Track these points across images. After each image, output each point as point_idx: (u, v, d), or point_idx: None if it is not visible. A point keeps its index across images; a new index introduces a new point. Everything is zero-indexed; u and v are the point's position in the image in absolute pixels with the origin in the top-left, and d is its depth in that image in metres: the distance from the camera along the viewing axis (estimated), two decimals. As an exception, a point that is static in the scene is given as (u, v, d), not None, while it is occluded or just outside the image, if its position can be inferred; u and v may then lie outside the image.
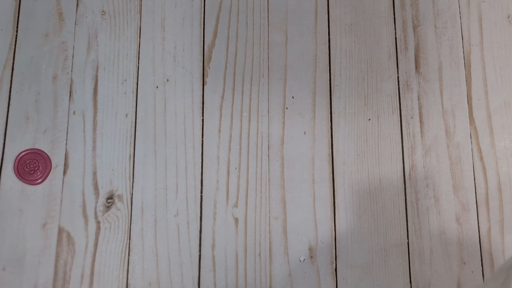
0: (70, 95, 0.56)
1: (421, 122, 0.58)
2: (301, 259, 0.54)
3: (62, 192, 0.54)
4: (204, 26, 0.59)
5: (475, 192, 0.56)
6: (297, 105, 0.58)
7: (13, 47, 0.57)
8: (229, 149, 0.56)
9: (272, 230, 0.54)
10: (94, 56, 0.57)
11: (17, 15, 0.58)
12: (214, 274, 0.53)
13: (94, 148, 0.55)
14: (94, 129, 0.55)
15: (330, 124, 0.57)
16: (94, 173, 0.54)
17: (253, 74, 0.58)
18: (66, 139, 0.55)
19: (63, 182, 0.54)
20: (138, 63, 0.58)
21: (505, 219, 0.56)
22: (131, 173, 0.55)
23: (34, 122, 0.55)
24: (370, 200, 0.56)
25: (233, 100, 0.57)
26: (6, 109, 0.55)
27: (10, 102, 0.56)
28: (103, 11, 0.59)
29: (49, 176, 0.54)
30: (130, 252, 0.53)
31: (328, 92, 0.58)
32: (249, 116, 0.57)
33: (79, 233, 0.53)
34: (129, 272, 0.53)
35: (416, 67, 0.59)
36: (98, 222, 0.53)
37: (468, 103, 0.58)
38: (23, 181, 0.53)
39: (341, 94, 0.58)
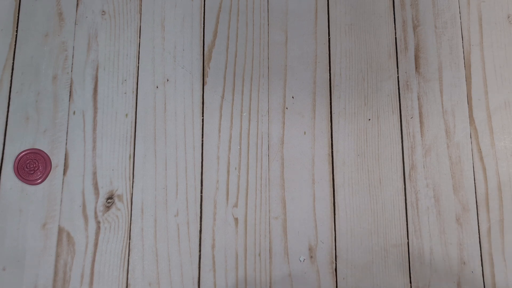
0: (70, 95, 0.56)
1: (421, 122, 0.58)
2: (301, 259, 0.54)
3: (62, 192, 0.54)
4: (204, 26, 0.59)
5: (475, 192, 0.56)
6: (297, 105, 0.58)
7: (13, 47, 0.57)
8: (229, 149, 0.56)
9: (272, 230, 0.54)
10: (94, 56, 0.57)
11: (17, 15, 0.58)
12: (214, 274, 0.53)
13: (94, 148, 0.55)
14: (94, 129, 0.55)
15: (330, 124, 0.57)
16: (94, 173, 0.54)
17: (253, 74, 0.58)
18: (66, 139, 0.55)
19: (63, 182, 0.54)
20: (138, 63, 0.58)
21: (505, 219, 0.56)
22: (131, 173, 0.55)
23: (34, 122, 0.55)
24: (370, 200, 0.56)
25: (233, 100, 0.57)
26: (6, 109, 0.55)
27: (10, 102, 0.56)
28: (103, 11, 0.59)
29: (49, 176, 0.54)
30: (130, 252, 0.53)
31: (328, 92, 0.58)
32: (249, 116, 0.57)
33: (79, 233, 0.53)
34: (129, 272, 0.53)
35: (416, 67, 0.59)
36: (98, 222, 0.53)
37: (468, 103, 0.58)
38: (23, 181, 0.53)
39: (341, 94, 0.58)
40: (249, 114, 0.57)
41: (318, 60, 0.59)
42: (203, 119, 0.57)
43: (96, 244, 0.53)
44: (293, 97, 0.58)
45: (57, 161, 0.54)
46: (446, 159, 0.57)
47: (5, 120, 0.55)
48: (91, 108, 0.56)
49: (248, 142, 0.56)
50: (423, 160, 0.57)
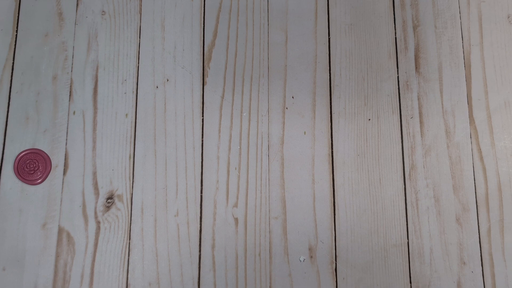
0: (70, 95, 0.56)
1: (421, 122, 0.58)
2: (301, 259, 0.54)
3: (62, 192, 0.54)
4: (204, 26, 0.59)
5: (475, 192, 0.56)
6: (297, 105, 0.58)
7: (13, 47, 0.57)
8: (229, 149, 0.56)
9: (272, 230, 0.54)
10: (94, 56, 0.57)
11: (17, 15, 0.58)
12: (214, 274, 0.53)
13: (94, 148, 0.55)
14: (94, 129, 0.56)
15: (330, 124, 0.57)
16: (94, 173, 0.54)
17: (253, 74, 0.58)
18: (66, 139, 0.55)
19: (63, 182, 0.54)
20: (138, 63, 0.58)
21: (505, 219, 0.56)
22: (131, 173, 0.55)
23: (34, 122, 0.55)
24: (370, 200, 0.56)
25: (233, 100, 0.57)
26: (6, 109, 0.55)
27: (10, 102, 0.56)
28: (103, 11, 0.59)
29: (49, 176, 0.54)
30: (130, 252, 0.53)
31: (328, 92, 0.58)
32: (249, 116, 0.57)
33: (79, 233, 0.53)
34: (129, 272, 0.53)
35: (416, 67, 0.59)
36: (98, 222, 0.53)
37: (468, 103, 0.58)
38: (23, 181, 0.53)
39: (341, 94, 0.58)
40: (249, 114, 0.57)
41: (318, 60, 0.59)
42: (203, 119, 0.57)
43: (96, 244, 0.53)
44: (293, 97, 0.58)
45: (57, 161, 0.54)
46: (446, 159, 0.57)
47: (5, 120, 0.55)
48: (91, 108, 0.56)
49: (248, 142, 0.56)
50: (423, 160, 0.57)
